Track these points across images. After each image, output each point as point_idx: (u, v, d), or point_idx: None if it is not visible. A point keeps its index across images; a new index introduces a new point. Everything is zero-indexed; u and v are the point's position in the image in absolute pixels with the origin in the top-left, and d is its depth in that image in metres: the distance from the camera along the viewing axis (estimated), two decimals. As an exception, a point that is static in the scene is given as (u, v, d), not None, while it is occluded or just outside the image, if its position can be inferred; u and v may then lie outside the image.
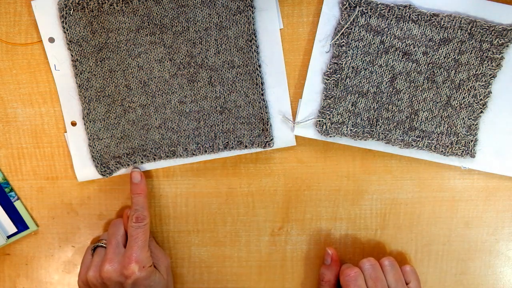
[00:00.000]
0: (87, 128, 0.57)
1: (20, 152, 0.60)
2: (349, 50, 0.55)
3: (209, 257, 0.62)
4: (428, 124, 0.55)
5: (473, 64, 0.54)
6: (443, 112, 0.55)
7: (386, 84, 0.55)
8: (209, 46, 0.55)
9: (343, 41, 0.55)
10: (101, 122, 0.57)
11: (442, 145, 0.56)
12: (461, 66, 0.54)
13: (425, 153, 0.57)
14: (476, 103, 0.55)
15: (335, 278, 0.57)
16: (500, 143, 0.56)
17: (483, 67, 0.54)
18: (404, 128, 0.56)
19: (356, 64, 0.55)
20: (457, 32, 0.54)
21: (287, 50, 0.57)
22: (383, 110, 0.55)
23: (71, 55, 0.56)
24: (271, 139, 0.56)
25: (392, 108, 0.55)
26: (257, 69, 0.55)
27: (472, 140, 0.55)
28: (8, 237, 0.60)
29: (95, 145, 0.57)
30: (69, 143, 0.58)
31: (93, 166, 0.58)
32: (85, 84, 0.56)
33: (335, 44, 0.55)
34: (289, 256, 0.61)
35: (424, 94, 0.55)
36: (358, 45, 0.55)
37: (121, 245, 0.55)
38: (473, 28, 0.53)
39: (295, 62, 0.57)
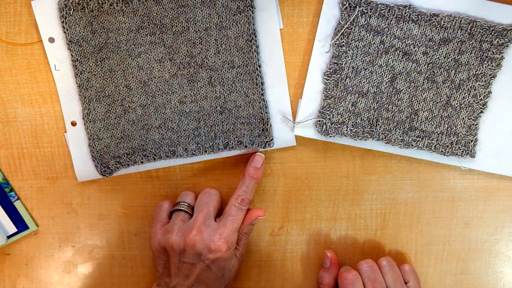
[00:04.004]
0: (87, 128, 0.57)
1: (20, 152, 0.60)
2: (349, 50, 0.55)
3: (209, 257, 0.62)
4: (428, 124, 0.55)
5: (473, 64, 0.54)
6: (443, 112, 0.55)
7: (386, 84, 0.55)
8: (209, 46, 0.55)
9: (343, 41, 0.55)
10: (101, 122, 0.57)
11: (442, 145, 0.56)
12: (461, 66, 0.54)
13: (425, 153, 0.57)
14: (476, 103, 0.55)
15: (334, 281, 0.57)
16: (500, 143, 0.56)
17: (483, 67, 0.54)
18: (404, 128, 0.56)
19: (356, 64, 0.55)
20: (457, 32, 0.54)
21: (287, 50, 0.57)
22: (383, 110, 0.55)
23: (71, 55, 0.56)
24: (271, 139, 0.56)
25: (392, 108, 0.55)
26: (257, 69, 0.55)
27: (472, 140, 0.55)
28: (8, 237, 0.60)
29: (95, 145, 0.57)
30: (69, 143, 0.58)
31: (93, 166, 0.58)
32: (85, 84, 0.56)
33: (335, 44, 0.55)
34: (289, 256, 0.61)
35: (424, 94, 0.55)
36: (358, 45, 0.55)
37: (212, 217, 0.54)
38: (473, 28, 0.53)
39: (295, 62, 0.57)
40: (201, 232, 0.52)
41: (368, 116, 0.56)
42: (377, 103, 0.55)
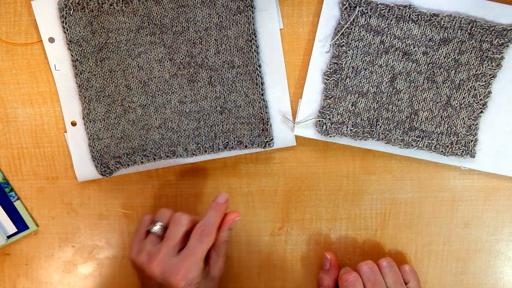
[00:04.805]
0: (87, 128, 0.57)
1: (20, 152, 0.60)
2: (349, 50, 0.55)
3: (209, 257, 0.62)
4: (428, 124, 0.55)
5: (473, 64, 0.54)
6: (443, 112, 0.55)
7: (386, 84, 0.55)
8: (209, 46, 0.55)
9: (343, 41, 0.55)
10: (101, 122, 0.57)
11: (442, 145, 0.56)
12: (461, 66, 0.54)
13: (425, 153, 0.57)
14: (476, 103, 0.55)
15: (334, 283, 0.57)
16: (500, 143, 0.56)
17: (483, 67, 0.54)
18: (404, 128, 0.56)
19: (356, 64, 0.55)
20: (457, 32, 0.54)
21: (287, 50, 0.57)
22: (383, 110, 0.55)
23: (71, 55, 0.56)
24: (271, 139, 0.56)
25: (392, 108, 0.55)
26: (257, 69, 0.55)
27: (472, 140, 0.55)
28: (8, 237, 0.60)
29: (95, 145, 0.57)
30: (69, 143, 0.58)
31: (93, 166, 0.58)
32: (85, 84, 0.56)
33: (335, 44, 0.55)
34: (289, 256, 0.61)
35: (424, 94, 0.55)
36: (358, 45, 0.55)
37: (176, 249, 0.52)
38: (473, 28, 0.53)
39: (295, 62, 0.57)
40: (162, 265, 0.51)
41: (368, 116, 0.56)
42: (377, 103, 0.55)
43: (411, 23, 0.54)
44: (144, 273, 0.52)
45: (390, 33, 0.54)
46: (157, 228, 0.53)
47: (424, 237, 0.60)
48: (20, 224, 0.60)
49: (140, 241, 0.54)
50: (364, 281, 0.55)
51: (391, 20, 0.54)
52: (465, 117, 0.55)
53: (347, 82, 0.55)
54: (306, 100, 0.56)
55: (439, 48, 0.54)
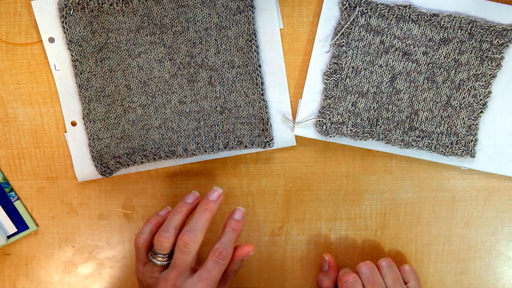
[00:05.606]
0: (87, 128, 0.57)
1: (20, 152, 0.60)
2: (349, 50, 0.55)
3: (209, 257, 0.61)
4: (428, 124, 0.55)
5: (473, 64, 0.54)
6: (443, 112, 0.55)
7: (386, 84, 0.55)
8: (209, 46, 0.55)
9: (343, 41, 0.55)
10: (101, 122, 0.57)
11: (442, 145, 0.56)
12: (461, 66, 0.54)
13: (425, 153, 0.57)
14: (476, 103, 0.55)
15: (333, 284, 0.57)
16: (500, 143, 0.56)
17: (483, 67, 0.54)
18: (404, 128, 0.56)
19: (356, 64, 0.55)
20: (457, 32, 0.54)
21: (287, 50, 0.57)
22: (383, 110, 0.55)
23: (71, 55, 0.56)
24: (271, 139, 0.56)
25: (392, 108, 0.55)
26: (257, 69, 0.55)
27: (472, 140, 0.55)
28: (8, 237, 0.60)
29: (95, 145, 0.57)
30: (69, 143, 0.58)
31: (93, 166, 0.58)
32: (85, 84, 0.56)
33: (335, 44, 0.55)
34: (289, 256, 0.61)
35: (424, 94, 0.55)
36: (358, 45, 0.55)
37: (187, 274, 0.50)
38: (473, 28, 0.53)
39: (295, 62, 0.57)
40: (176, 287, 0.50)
41: (368, 116, 0.56)
42: (377, 103, 0.55)
43: (411, 23, 0.54)
44: None
45: (390, 33, 0.54)
46: (159, 261, 0.52)
47: (424, 237, 0.60)
48: (20, 224, 0.60)
49: (144, 264, 0.53)
50: (363, 282, 0.54)
51: (391, 20, 0.54)
52: (465, 117, 0.55)
53: (347, 82, 0.55)
54: (306, 100, 0.56)
55: (439, 48, 0.54)
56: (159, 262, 0.52)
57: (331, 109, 0.56)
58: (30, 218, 0.61)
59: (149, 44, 0.55)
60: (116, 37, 0.55)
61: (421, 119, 0.55)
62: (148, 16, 0.55)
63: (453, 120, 0.55)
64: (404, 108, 0.55)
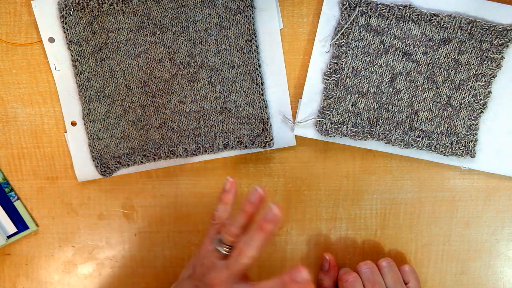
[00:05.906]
0: (87, 128, 0.57)
1: (20, 152, 0.60)
2: (349, 50, 0.55)
3: (209, 257, 0.61)
4: (428, 124, 0.55)
5: (473, 64, 0.54)
6: (443, 112, 0.55)
7: (386, 84, 0.55)
8: (209, 46, 0.55)
9: (343, 41, 0.55)
10: (101, 122, 0.57)
11: (442, 145, 0.56)
12: (461, 66, 0.54)
13: (425, 153, 0.57)
14: (476, 103, 0.55)
15: (333, 284, 0.57)
16: (500, 143, 0.56)
17: (483, 67, 0.54)
18: (404, 128, 0.56)
19: (356, 64, 0.55)
20: (457, 32, 0.54)
21: (287, 50, 0.57)
22: (383, 110, 0.55)
23: (71, 55, 0.56)
24: (271, 139, 0.56)
25: (392, 108, 0.55)
26: (257, 69, 0.55)
27: (472, 140, 0.55)
28: (8, 237, 0.60)
29: (95, 145, 0.57)
30: (69, 143, 0.58)
31: (93, 166, 0.58)
32: (85, 84, 0.56)
33: (335, 44, 0.55)
34: (289, 256, 0.61)
35: (424, 94, 0.55)
36: (358, 45, 0.55)
37: (241, 276, 0.48)
38: (473, 28, 0.53)
39: (295, 62, 0.57)
40: (226, 285, 0.47)
41: (368, 116, 0.56)
42: (377, 103, 0.55)
43: (411, 23, 0.54)
44: (204, 278, 0.49)
45: (390, 33, 0.54)
46: (225, 251, 0.50)
47: (424, 237, 0.60)
48: (20, 224, 0.60)
49: (211, 244, 0.50)
50: (363, 281, 0.54)
51: (391, 20, 0.54)
52: (465, 117, 0.55)
53: (347, 82, 0.55)
54: (306, 100, 0.56)
55: (439, 48, 0.54)
56: (224, 252, 0.49)
57: (331, 109, 0.56)
58: (30, 218, 0.61)
59: (149, 44, 0.55)
60: (116, 37, 0.55)
61: (421, 119, 0.55)
62: (148, 16, 0.55)
63: (453, 120, 0.55)
64: (404, 108, 0.55)
